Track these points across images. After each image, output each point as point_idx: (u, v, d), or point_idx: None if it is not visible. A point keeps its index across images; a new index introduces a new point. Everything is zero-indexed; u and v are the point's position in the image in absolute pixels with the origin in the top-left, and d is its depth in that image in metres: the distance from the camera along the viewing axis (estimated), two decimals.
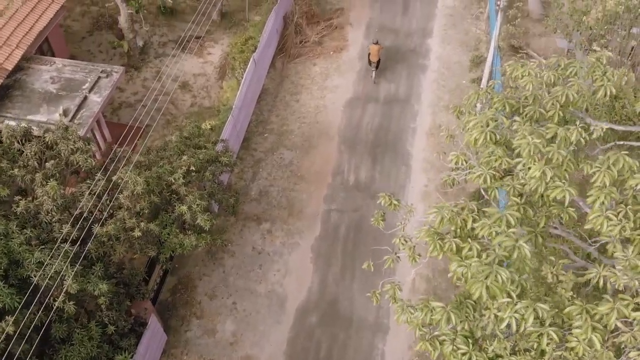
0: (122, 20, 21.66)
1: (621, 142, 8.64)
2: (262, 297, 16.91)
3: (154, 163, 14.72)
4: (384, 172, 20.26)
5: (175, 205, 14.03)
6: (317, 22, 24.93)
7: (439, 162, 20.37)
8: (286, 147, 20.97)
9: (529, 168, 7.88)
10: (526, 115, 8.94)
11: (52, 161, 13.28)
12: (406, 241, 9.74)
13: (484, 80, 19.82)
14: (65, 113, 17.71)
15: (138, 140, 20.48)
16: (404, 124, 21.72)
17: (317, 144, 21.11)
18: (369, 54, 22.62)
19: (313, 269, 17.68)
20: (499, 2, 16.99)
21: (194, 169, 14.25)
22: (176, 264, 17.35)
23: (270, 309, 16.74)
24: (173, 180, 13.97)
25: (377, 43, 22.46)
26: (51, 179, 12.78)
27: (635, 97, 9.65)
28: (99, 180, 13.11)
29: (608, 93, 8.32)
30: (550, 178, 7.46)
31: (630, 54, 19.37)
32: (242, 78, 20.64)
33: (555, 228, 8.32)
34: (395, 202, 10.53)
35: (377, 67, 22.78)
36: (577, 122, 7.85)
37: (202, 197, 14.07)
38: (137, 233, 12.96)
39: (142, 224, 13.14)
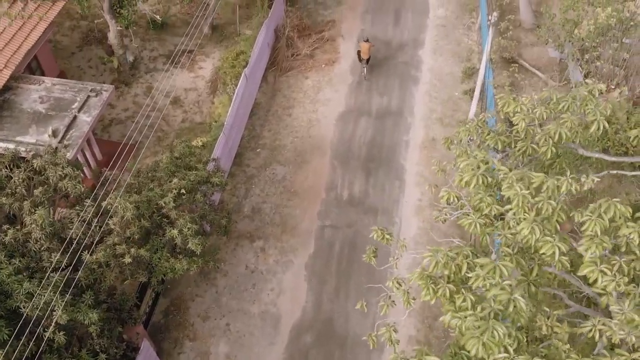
0: (112, 37, 21.49)
1: (614, 171, 8.54)
2: (255, 318, 16.76)
3: (144, 185, 14.55)
4: (378, 186, 20.16)
5: (166, 229, 13.88)
6: (309, 34, 24.83)
7: (432, 176, 20.30)
8: (279, 162, 20.84)
9: (519, 221, 7.74)
10: (519, 150, 8.84)
11: (41, 188, 13.11)
12: (400, 284, 9.53)
13: (476, 92, 19.73)
14: (54, 134, 17.52)
15: (129, 158, 20.30)
16: (397, 137, 21.63)
17: (310, 158, 20.99)
18: (359, 51, 23.11)
19: (307, 288, 17.55)
20: (490, 17, 16.92)
21: (184, 192, 14.09)
22: (168, 285, 17.18)
23: (264, 330, 16.59)
24: (163, 204, 13.82)
25: (367, 41, 22.91)
26: (39, 207, 12.60)
27: (628, 120, 9.57)
28: (89, 206, 12.93)
29: (601, 128, 8.22)
30: (541, 232, 7.35)
31: (622, 65, 19.37)
32: (234, 94, 20.51)
33: (550, 265, 8.20)
34: (388, 237, 10.38)
35: (367, 63, 23.28)
36: (568, 173, 7.74)
37: (193, 220, 13.92)
38: (127, 259, 12.80)
39: (133, 249, 12.99)
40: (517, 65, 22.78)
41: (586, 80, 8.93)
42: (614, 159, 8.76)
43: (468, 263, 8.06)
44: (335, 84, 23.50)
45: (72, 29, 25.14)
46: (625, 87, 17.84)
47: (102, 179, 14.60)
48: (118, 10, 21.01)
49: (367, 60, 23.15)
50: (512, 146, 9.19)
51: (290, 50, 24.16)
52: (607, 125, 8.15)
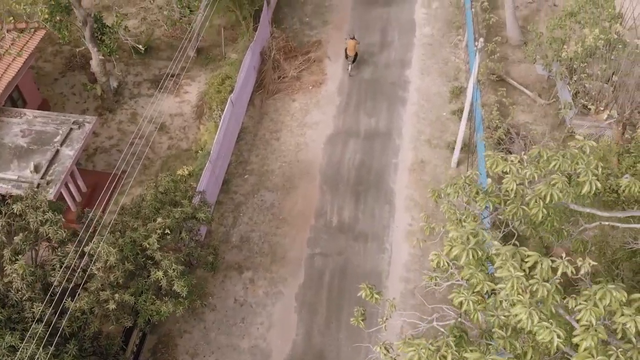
0: (94, 64, 21.17)
1: (606, 222, 8.38)
2: (245, 354, 16.48)
3: (128, 225, 14.26)
4: (367, 211, 19.96)
5: (150, 270, 13.59)
6: (295, 56, 24.61)
7: (422, 200, 20.15)
8: (267, 188, 20.59)
9: (513, 302, 7.50)
10: (509, 211, 8.63)
11: (21, 234, 12.79)
12: (387, 351, 9.24)
13: (465, 114, 19.55)
14: (36, 169, 17.19)
15: (114, 189, 19.98)
16: (385, 160, 21.44)
17: (299, 184, 20.76)
18: (346, 49, 23.74)
19: (297, 320, 17.29)
20: (476, 43, 16.79)
21: (169, 232, 13.81)
22: (155, 322, 16.85)
23: None
24: (148, 245, 13.53)
25: (353, 38, 23.58)
26: (20, 256, 12.28)
27: (619, 163, 9.39)
28: (71, 252, 12.62)
29: (593, 188, 8.03)
30: (538, 318, 7.11)
31: (611, 85, 19.29)
32: (220, 120, 20.24)
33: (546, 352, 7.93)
34: (377, 296, 10.10)
35: (353, 61, 23.87)
36: (563, 255, 7.52)
37: (178, 260, 13.64)
38: (111, 305, 12.51)
39: (117, 295, 12.69)
40: (505, 86, 22.68)
41: (577, 136, 8.66)
42: (606, 214, 8.57)
43: (452, 354, 7.76)
44: (322, 106, 23.30)
45: (55, 54, 24.79)
46: (614, 109, 17.75)
47: (85, 219, 14.26)
48: (100, 37, 20.72)
49: (354, 58, 23.78)
50: (502, 205, 9.00)
51: (276, 73, 23.94)
52: (599, 185, 7.96)
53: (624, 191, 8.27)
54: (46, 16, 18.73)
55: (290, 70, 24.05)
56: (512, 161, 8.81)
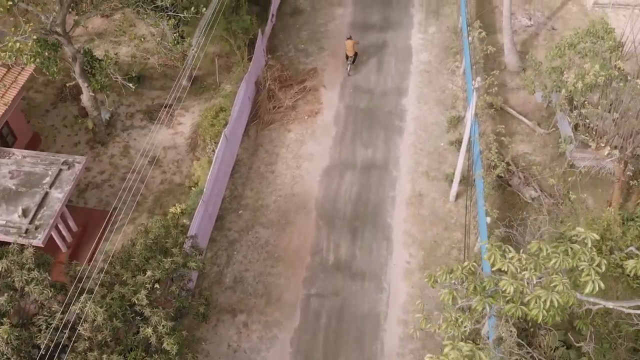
0: (85, 99, 20.79)
1: (610, 305, 7.96)
2: None
3: (117, 279, 13.85)
4: (365, 247, 19.54)
5: (140, 326, 13.18)
6: (290, 84, 24.23)
7: (420, 234, 19.75)
8: (262, 224, 20.18)
9: None
10: (508, 310, 8.21)
11: (6, 295, 12.37)
12: None
13: (463, 148, 19.15)
14: (24, 213, 16.79)
15: (105, 227, 19.57)
16: (382, 193, 21.05)
17: (294, 219, 20.35)
18: (345, 50, 24.47)
19: None
20: (474, 82, 16.41)
21: (158, 286, 13.40)
22: None
23: None
24: (136, 301, 13.12)
25: (350, 38, 24.36)
26: (4, 318, 11.86)
27: (624, 235, 9.00)
28: (59, 311, 12.22)
29: (596, 288, 7.61)
30: None
31: (612, 117, 18.88)
32: (214, 154, 19.85)
33: None
34: None
35: (353, 62, 24.59)
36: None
37: (168, 316, 13.23)
38: None
39: (105, 355, 12.27)
40: (503, 115, 22.32)
41: (578, 228, 8.23)
42: (610, 304, 8.13)
43: None
44: (318, 137, 22.91)
45: (46, 84, 24.41)
46: (615, 149, 17.36)
47: (72, 272, 13.85)
48: (91, 71, 20.30)
49: (354, 59, 24.51)
50: (501, 304, 8.58)
51: (271, 103, 23.57)
52: (602, 285, 7.55)
53: (630, 272, 7.86)
54: (34, 53, 18.34)
55: (286, 100, 23.67)
56: (510, 260, 8.36)
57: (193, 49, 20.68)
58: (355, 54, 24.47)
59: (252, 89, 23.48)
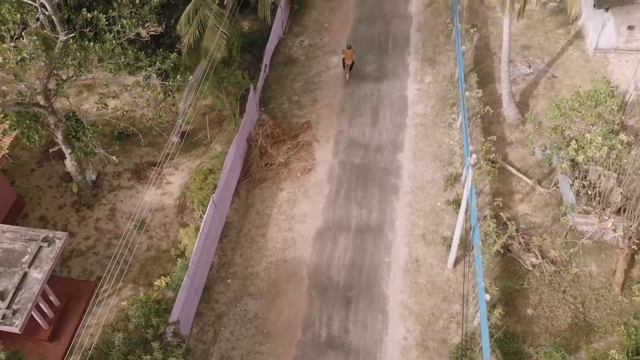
0: (69, 165, 20.14)
1: None
2: None
3: None
4: (359, 321, 18.70)
5: None
6: (283, 140, 23.54)
7: (417, 306, 18.91)
8: (251, 295, 19.37)
9: None
10: None
11: None
12: None
13: (461, 214, 18.33)
14: (1, 297, 16.05)
15: (89, 299, 18.86)
16: (377, 259, 20.24)
17: (285, 288, 19.55)
18: (344, 58, 25.58)
19: None
20: (471, 160, 15.67)
21: None
22: None
23: None
24: None
25: (350, 47, 25.51)
26: None
27: None
28: None
29: None
30: None
31: (615, 188, 18.13)
32: (202, 221, 19.11)
33: None
34: None
35: (350, 69, 25.76)
36: None
37: None
38: None
39: None
40: (503, 173, 21.59)
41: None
42: None
43: None
44: (311, 196, 22.17)
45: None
46: (620, 228, 16.56)
47: None
48: (75, 135, 19.64)
49: (351, 66, 25.67)
50: None
51: (263, 160, 22.87)
52: None
53: None
54: (13, 123, 17.76)
55: (278, 157, 22.97)
56: None
57: (183, 110, 20.02)
58: (352, 62, 25.64)
59: (244, 146, 22.78)
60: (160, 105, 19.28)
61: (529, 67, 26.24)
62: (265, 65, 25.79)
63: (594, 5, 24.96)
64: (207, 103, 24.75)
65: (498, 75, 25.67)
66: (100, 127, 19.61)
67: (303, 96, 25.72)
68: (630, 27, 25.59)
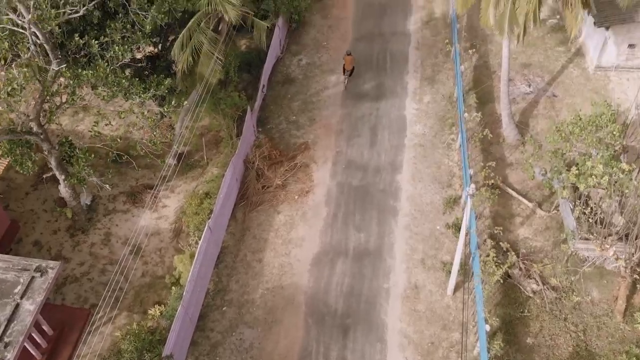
0: (62, 190, 19.92)
1: None
2: None
3: None
4: (357, 351, 18.34)
5: None
6: (280, 161, 23.28)
7: (416, 335, 18.59)
8: (247, 324, 19.05)
9: None
10: None
11: None
12: None
13: (461, 240, 18.02)
14: None
15: (83, 327, 18.58)
16: (376, 285, 19.92)
17: (282, 317, 19.23)
18: (344, 65, 25.86)
19: None
20: (468, 189, 15.42)
21: None
22: None
23: None
24: None
25: (350, 54, 25.76)
26: None
27: None
28: None
29: None
30: None
31: (616, 216, 17.84)
32: (197, 248, 18.83)
33: None
34: None
35: (350, 75, 25.98)
36: None
37: None
38: None
39: None
40: (502, 197, 21.29)
41: None
42: None
43: None
44: (309, 219, 21.89)
45: None
46: (622, 259, 16.26)
47: None
48: (69, 160, 19.42)
49: (351, 72, 25.90)
50: None
51: (260, 182, 22.60)
52: None
53: None
54: (5, 151, 17.54)
55: (275, 179, 22.70)
56: None
57: (179, 132, 19.81)
58: (353, 68, 25.82)
59: (241, 168, 22.54)
60: (155, 133, 19.03)
61: (529, 85, 26.00)
62: (263, 85, 25.58)
63: (595, 24, 24.75)
64: (204, 124, 24.54)
65: (498, 95, 25.42)
66: (93, 155, 19.33)
67: (301, 116, 25.49)
68: (631, 46, 25.38)
